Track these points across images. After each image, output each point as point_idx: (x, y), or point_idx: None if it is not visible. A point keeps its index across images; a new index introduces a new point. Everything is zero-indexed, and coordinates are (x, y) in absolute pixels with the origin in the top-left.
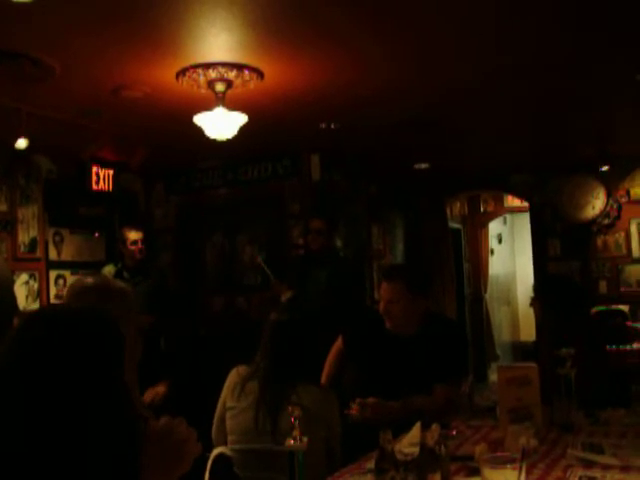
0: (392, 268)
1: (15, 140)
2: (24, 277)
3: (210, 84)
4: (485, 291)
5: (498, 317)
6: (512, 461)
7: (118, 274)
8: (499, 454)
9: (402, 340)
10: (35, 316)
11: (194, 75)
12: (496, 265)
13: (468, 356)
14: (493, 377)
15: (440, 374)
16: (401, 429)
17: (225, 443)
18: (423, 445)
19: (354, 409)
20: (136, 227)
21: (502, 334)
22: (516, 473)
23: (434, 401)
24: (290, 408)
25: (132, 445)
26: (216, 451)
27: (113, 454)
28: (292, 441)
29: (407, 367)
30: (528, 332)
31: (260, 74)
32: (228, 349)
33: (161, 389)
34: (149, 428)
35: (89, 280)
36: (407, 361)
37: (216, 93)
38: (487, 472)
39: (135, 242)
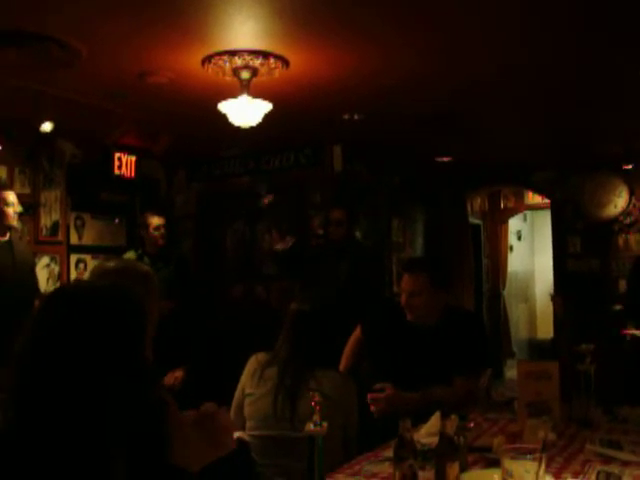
0: (414, 260)
1: (40, 123)
2: (45, 260)
3: (235, 71)
4: (503, 288)
5: (515, 314)
6: (532, 453)
7: (139, 260)
8: (518, 445)
9: (422, 331)
10: (57, 294)
11: (220, 62)
12: (515, 262)
13: (487, 349)
14: (509, 373)
15: (460, 366)
16: (420, 419)
17: (243, 429)
18: (442, 434)
19: (370, 405)
20: (158, 213)
21: (519, 331)
22: (536, 464)
23: (453, 393)
24: (311, 393)
25: (155, 421)
26: (235, 435)
27: (135, 430)
28: (312, 426)
29: (426, 358)
30: (545, 330)
31: (285, 62)
32: (247, 336)
33: (180, 374)
34: (192, 412)
35: (111, 263)
36: (426, 352)
37: (241, 81)
38: (507, 463)
39: (158, 228)
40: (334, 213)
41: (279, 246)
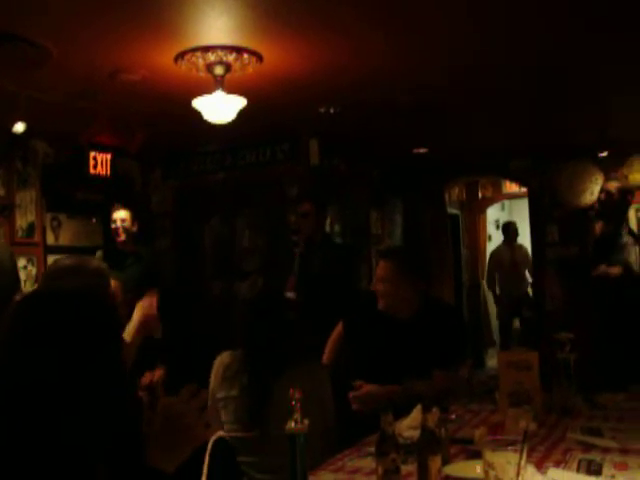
0: (388, 248)
1: (13, 124)
2: (22, 262)
3: (209, 67)
4: (482, 277)
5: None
6: (513, 444)
7: (105, 258)
8: (500, 437)
9: (399, 323)
10: (28, 300)
11: (193, 58)
12: None
13: (466, 341)
14: (490, 362)
15: (439, 359)
16: (401, 412)
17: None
18: (424, 427)
19: (352, 404)
20: (122, 206)
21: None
22: (517, 456)
23: (433, 387)
24: (290, 391)
25: (132, 424)
26: (214, 435)
27: (113, 433)
28: (293, 424)
29: (405, 351)
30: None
31: (259, 57)
32: (226, 334)
33: (158, 373)
34: (163, 404)
35: (65, 261)
36: (404, 345)
37: (215, 77)
38: (488, 455)
39: (115, 221)
40: (302, 206)
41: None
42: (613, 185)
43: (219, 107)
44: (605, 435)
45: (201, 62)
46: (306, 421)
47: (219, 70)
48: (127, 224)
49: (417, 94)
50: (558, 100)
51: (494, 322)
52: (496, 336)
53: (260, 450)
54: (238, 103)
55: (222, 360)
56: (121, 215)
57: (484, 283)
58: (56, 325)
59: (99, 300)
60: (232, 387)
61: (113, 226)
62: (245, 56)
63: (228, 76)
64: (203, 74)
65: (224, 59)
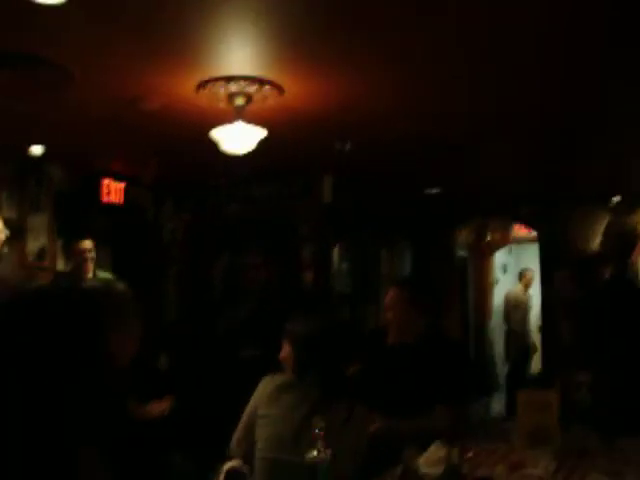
0: (400, 278)
1: (28, 147)
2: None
3: (230, 98)
4: (489, 321)
5: (501, 347)
6: None
7: None
8: (528, 472)
9: (401, 350)
10: (11, 301)
11: (214, 88)
12: (500, 295)
13: (472, 378)
14: (496, 407)
15: (442, 393)
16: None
17: (246, 453)
18: (448, 463)
19: None
20: (85, 237)
21: (505, 365)
22: None
23: (436, 421)
24: (314, 420)
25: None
26: (228, 465)
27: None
28: (315, 453)
29: (406, 376)
30: (533, 363)
31: (280, 90)
32: (232, 370)
33: (165, 404)
34: None
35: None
36: (406, 370)
37: (235, 107)
38: None
39: (82, 252)
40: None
41: None
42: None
43: (239, 137)
44: (627, 478)
45: (222, 92)
46: (329, 451)
47: (240, 101)
48: (93, 254)
49: (432, 135)
50: (571, 146)
51: (500, 366)
52: (502, 380)
53: (291, 475)
54: (258, 134)
55: (273, 379)
56: (87, 245)
57: (490, 327)
58: (34, 324)
59: (81, 300)
60: (278, 407)
61: (79, 257)
62: (266, 87)
63: (247, 107)
64: (223, 104)
65: (246, 90)
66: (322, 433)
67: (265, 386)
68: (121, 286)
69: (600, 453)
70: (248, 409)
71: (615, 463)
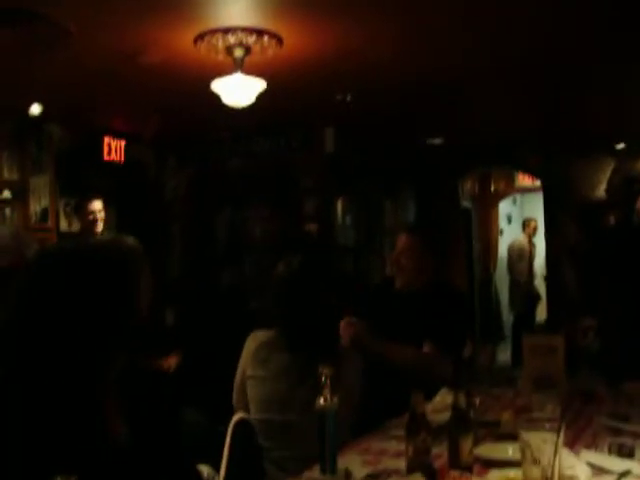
0: (414, 225)
1: (28, 107)
2: (35, 247)
3: (229, 50)
4: (494, 271)
5: (507, 297)
6: (549, 423)
7: None
8: (535, 415)
9: (405, 296)
10: (41, 256)
11: (213, 40)
12: (505, 245)
13: (466, 328)
14: (501, 356)
15: (433, 335)
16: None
17: (247, 410)
18: (455, 407)
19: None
20: (96, 196)
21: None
22: (553, 435)
23: (418, 356)
24: (320, 367)
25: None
26: (237, 416)
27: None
28: (322, 401)
29: (404, 322)
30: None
31: (279, 40)
32: (237, 320)
33: (174, 359)
34: None
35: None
36: (406, 316)
37: (234, 59)
38: (525, 434)
39: (92, 213)
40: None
41: None
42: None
43: (238, 89)
44: (633, 420)
45: (221, 44)
46: (335, 399)
47: (239, 52)
48: (103, 214)
49: (432, 81)
50: (576, 89)
51: (506, 316)
52: (507, 331)
53: (286, 437)
54: (258, 86)
55: (256, 338)
56: (97, 206)
57: (496, 277)
58: (67, 279)
59: (111, 254)
60: (265, 366)
61: (90, 217)
62: (265, 38)
63: (247, 59)
64: (222, 57)
65: (244, 41)
66: (328, 380)
67: (249, 344)
68: (131, 240)
69: (606, 397)
70: (239, 368)
71: (621, 407)
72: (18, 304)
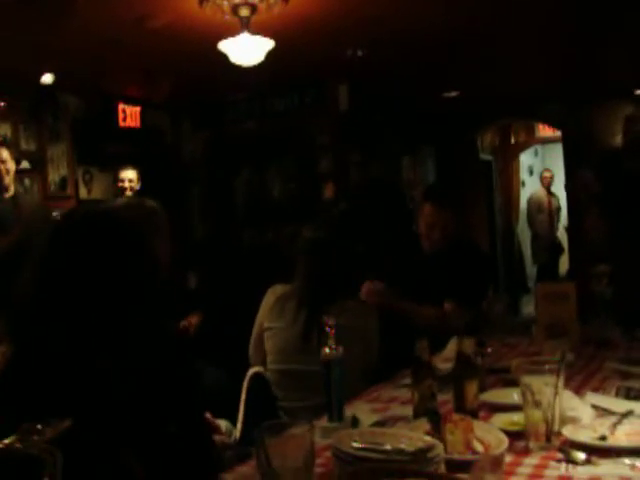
0: (437, 191)
1: (40, 76)
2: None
3: (234, 9)
4: (516, 224)
5: (529, 250)
6: (550, 366)
7: None
8: (536, 359)
9: (429, 257)
10: (68, 217)
11: (217, 0)
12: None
13: (488, 283)
14: (525, 309)
15: (453, 292)
16: (434, 348)
17: (262, 363)
18: (460, 353)
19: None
20: (130, 166)
21: (534, 267)
22: (554, 377)
23: (440, 315)
24: (324, 318)
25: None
26: (252, 370)
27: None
28: (327, 350)
29: (425, 282)
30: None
31: None
32: (257, 281)
33: (194, 319)
34: None
35: (118, 201)
36: (429, 276)
37: (241, 18)
38: (526, 377)
39: (123, 180)
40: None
41: None
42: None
43: (246, 49)
44: None
45: (226, 4)
46: (341, 348)
47: (244, 11)
48: (134, 184)
49: (447, 33)
50: (594, 35)
51: (529, 269)
52: (531, 283)
53: (300, 385)
54: (265, 44)
55: (275, 291)
56: (129, 175)
57: (518, 229)
58: (92, 238)
59: (131, 220)
60: (282, 318)
61: (120, 185)
62: None
63: (254, 18)
64: (228, 17)
65: (249, 0)
66: (332, 331)
67: (268, 297)
68: (151, 202)
69: (620, 344)
70: (256, 321)
71: (633, 351)
72: (41, 263)
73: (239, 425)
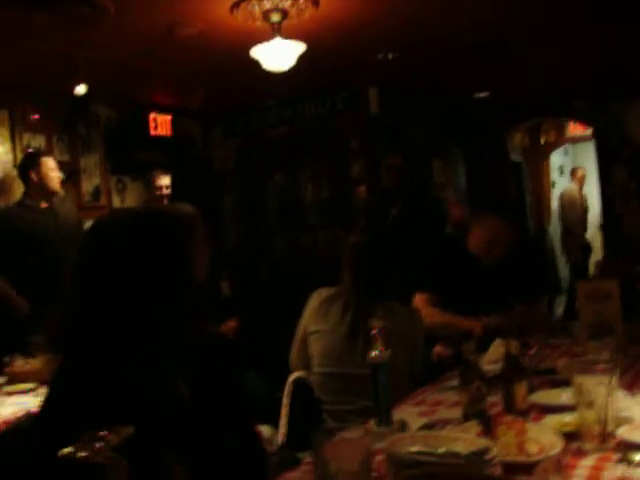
0: (501, 204)
1: (74, 87)
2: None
3: (265, 15)
4: (548, 224)
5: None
6: (602, 366)
7: None
8: (589, 358)
9: (486, 267)
10: (97, 225)
11: (249, 7)
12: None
13: (547, 275)
14: (559, 311)
15: (520, 294)
16: (480, 348)
17: (305, 367)
18: (508, 355)
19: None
20: (165, 172)
21: (567, 268)
22: (607, 377)
23: (512, 319)
24: (370, 322)
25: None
26: (294, 375)
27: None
28: (373, 354)
29: (490, 292)
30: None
31: (315, 2)
32: (293, 289)
33: (233, 324)
34: None
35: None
36: (490, 285)
37: (272, 24)
38: (578, 377)
39: (160, 188)
40: (390, 159)
41: None
42: None
43: (278, 54)
44: None
45: (257, 10)
46: (388, 351)
47: (275, 17)
48: (170, 190)
49: (476, 36)
50: (625, 32)
51: (562, 269)
52: (564, 283)
53: (346, 388)
54: (297, 49)
55: (320, 294)
56: (166, 182)
57: (550, 230)
58: (123, 244)
59: (161, 219)
60: (327, 320)
61: (158, 193)
62: (301, 1)
63: (284, 24)
64: (259, 23)
65: (280, 5)
66: (379, 333)
67: (313, 301)
68: (188, 207)
69: None
70: (300, 325)
71: None
72: (80, 264)
73: (282, 430)
